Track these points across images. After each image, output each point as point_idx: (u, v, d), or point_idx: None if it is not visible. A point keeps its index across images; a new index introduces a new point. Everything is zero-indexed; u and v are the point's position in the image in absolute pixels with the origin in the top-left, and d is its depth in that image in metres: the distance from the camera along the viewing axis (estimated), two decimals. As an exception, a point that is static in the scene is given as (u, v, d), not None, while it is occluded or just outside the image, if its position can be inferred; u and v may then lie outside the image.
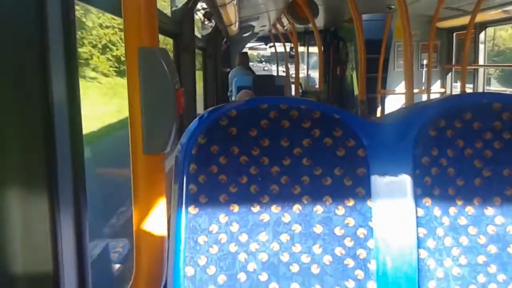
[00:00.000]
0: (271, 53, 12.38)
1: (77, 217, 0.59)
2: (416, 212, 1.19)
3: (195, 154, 1.18)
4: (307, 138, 1.20)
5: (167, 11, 2.77)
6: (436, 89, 5.45)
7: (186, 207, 1.16)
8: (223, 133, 1.19)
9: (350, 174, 1.19)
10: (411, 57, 2.45)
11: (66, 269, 0.56)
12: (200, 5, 3.23)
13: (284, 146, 1.20)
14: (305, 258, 1.17)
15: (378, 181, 1.20)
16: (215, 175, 1.18)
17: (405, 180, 1.20)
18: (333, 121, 1.21)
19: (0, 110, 0.50)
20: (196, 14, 3.68)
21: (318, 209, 1.18)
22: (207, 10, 3.72)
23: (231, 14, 3.82)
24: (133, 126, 0.68)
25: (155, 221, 0.74)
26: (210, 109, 1.25)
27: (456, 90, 5.25)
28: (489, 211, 1.22)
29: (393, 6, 4.69)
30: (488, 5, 3.88)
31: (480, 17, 4.20)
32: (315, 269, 1.18)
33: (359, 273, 1.18)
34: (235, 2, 3.43)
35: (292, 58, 8.37)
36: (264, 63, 16.43)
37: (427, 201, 1.20)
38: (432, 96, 5.09)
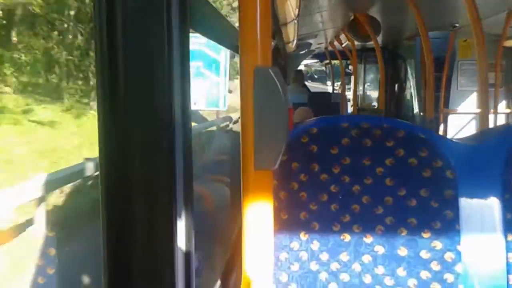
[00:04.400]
0: (325, 69, 12.35)
1: (188, 219, 0.63)
2: (506, 237, 1.15)
3: (276, 170, 1.19)
4: (390, 157, 1.19)
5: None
6: (501, 109, 5.23)
7: None
8: (304, 150, 1.20)
9: (437, 196, 1.16)
10: (486, 76, 2.37)
11: (179, 269, 0.60)
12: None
13: (366, 164, 1.19)
14: (388, 281, 1.14)
15: (467, 204, 1.16)
16: (295, 191, 1.19)
17: (494, 203, 1.16)
18: (419, 140, 1.19)
19: (136, 117, 0.56)
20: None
21: (402, 231, 1.16)
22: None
23: (290, 32, 3.86)
24: (245, 144, 0.70)
25: (263, 236, 0.76)
26: None
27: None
28: None
29: (457, 24, 4.58)
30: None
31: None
32: None
33: None
34: (295, 21, 3.47)
35: (347, 75, 8.30)
36: (309, 81, 16.37)
37: None
38: (499, 117, 4.89)
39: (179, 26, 0.58)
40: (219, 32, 1.22)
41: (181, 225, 0.61)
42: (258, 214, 0.75)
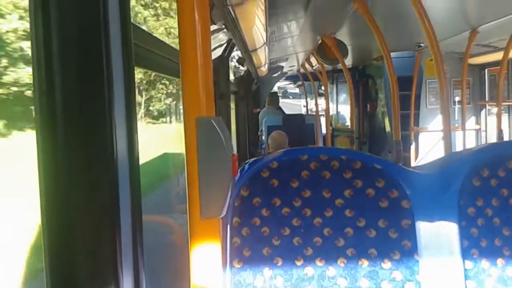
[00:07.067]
0: (299, 90, 12.50)
1: (136, 263, 0.61)
2: (464, 264, 1.16)
3: (238, 207, 1.19)
4: (349, 188, 1.20)
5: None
6: (471, 126, 5.35)
7: (231, 261, 1.16)
8: (265, 185, 1.21)
9: (395, 226, 1.18)
10: (447, 94, 2.44)
11: None
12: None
13: (325, 197, 1.20)
14: None
15: (424, 233, 1.18)
16: (258, 227, 1.19)
17: (452, 232, 1.18)
18: (375, 171, 1.21)
19: (72, 148, 0.54)
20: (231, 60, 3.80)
21: (364, 262, 1.17)
22: (240, 56, 3.82)
23: (261, 57, 3.91)
24: (191, 192, 0.71)
25: (212, 284, 0.75)
26: (250, 161, 1.27)
27: (492, 126, 5.14)
28: None
29: (422, 44, 4.70)
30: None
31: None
32: None
33: None
34: (266, 46, 3.52)
35: (320, 96, 8.39)
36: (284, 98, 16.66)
37: (475, 253, 1.17)
38: (468, 133, 5.00)
39: (122, 64, 0.57)
40: (165, 65, 1.22)
41: (128, 269, 0.59)
42: (205, 263, 0.74)
